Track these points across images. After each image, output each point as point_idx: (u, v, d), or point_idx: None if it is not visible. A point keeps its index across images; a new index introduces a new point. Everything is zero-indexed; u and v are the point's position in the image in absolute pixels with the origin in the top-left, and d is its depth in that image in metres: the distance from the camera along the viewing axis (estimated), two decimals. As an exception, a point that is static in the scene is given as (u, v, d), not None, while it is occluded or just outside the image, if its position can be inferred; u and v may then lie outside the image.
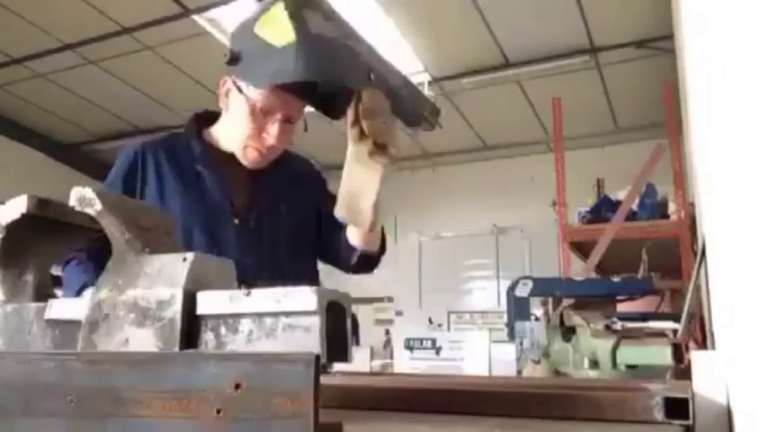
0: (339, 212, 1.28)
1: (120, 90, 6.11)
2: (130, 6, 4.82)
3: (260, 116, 1.48)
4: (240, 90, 1.48)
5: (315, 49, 1.16)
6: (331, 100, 1.29)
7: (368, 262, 1.59)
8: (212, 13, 4.88)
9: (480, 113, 6.56)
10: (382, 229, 1.56)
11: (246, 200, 1.59)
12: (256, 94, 1.46)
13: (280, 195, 1.62)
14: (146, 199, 1.51)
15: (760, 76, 0.59)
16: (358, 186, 1.28)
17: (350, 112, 1.24)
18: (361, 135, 1.25)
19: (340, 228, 1.54)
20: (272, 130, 1.50)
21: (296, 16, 1.15)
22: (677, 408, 0.72)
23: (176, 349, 0.63)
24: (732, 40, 0.71)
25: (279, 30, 1.16)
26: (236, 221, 1.55)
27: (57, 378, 0.62)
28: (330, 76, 1.20)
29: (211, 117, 1.67)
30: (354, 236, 1.53)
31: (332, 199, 1.55)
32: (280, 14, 1.17)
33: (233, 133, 1.55)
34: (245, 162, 1.56)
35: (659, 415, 0.72)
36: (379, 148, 1.26)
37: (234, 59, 1.26)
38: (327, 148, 7.69)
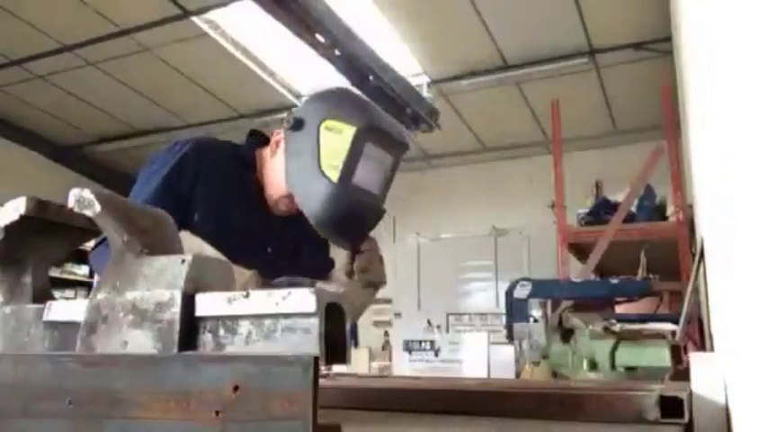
0: None
1: (120, 92, 6.10)
2: (129, 8, 4.82)
3: None
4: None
5: (342, 206, 1.37)
6: None
7: None
8: (211, 14, 4.88)
9: (479, 115, 6.56)
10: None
11: (275, 239, 1.59)
12: None
13: (297, 244, 1.63)
14: (199, 202, 1.48)
15: (756, 79, 0.60)
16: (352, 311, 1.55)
17: (347, 259, 1.48)
18: (351, 272, 1.49)
19: None
20: None
21: (355, 152, 1.36)
22: (673, 407, 0.72)
23: (175, 351, 0.63)
24: (728, 44, 0.71)
25: (335, 153, 1.36)
26: (269, 250, 1.57)
27: (55, 380, 0.62)
28: (342, 235, 1.45)
29: (262, 137, 1.66)
30: None
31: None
32: (345, 138, 1.36)
33: (274, 182, 1.54)
34: (273, 209, 1.56)
35: (655, 414, 0.72)
36: (372, 285, 1.51)
37: (296, 126, 1.41)
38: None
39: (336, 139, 1.36)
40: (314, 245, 1.65)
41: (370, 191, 1.42)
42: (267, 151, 1.57)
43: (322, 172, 1.35)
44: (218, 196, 1.50)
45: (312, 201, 1.37)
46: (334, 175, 1.34)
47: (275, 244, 1.59)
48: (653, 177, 4.20)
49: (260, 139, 1.65)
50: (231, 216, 1.51)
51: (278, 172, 1.49)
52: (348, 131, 1.35)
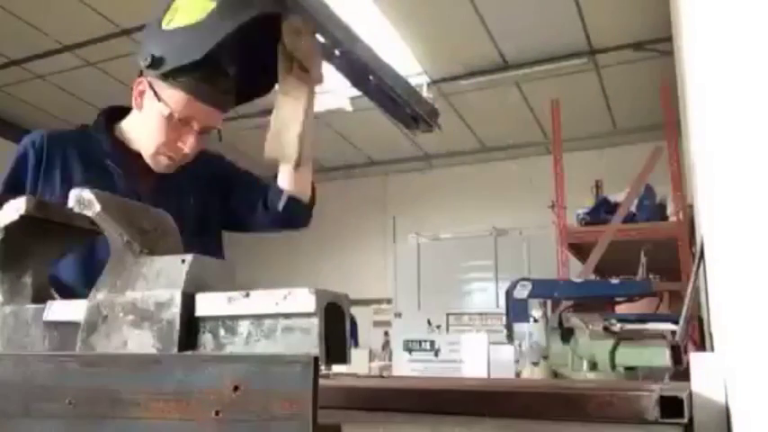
0: (267, 152, 1.30)
1: (120, 92, 6.09)
2: (129, 8, 4.82)
3: (176, 125, 1.44)
4: (158, 96, 1.43)
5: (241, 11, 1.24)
6: (254, 85, 1.46)
7: (296, 210, 1.54)
8: (211, 14, 4.87)
9: (479, 115, 6.56)
10: (312, 184, 1.57)
11: (152, 201, 1.55)
12: (174, 103, 1.41)
13: (184, 196, 1.56)
14: (47, 188, 1.47)
15: (757, 78, 0.60)
16: (284, 120, 1.31)
17: (280, 47, 1.33)
18: (289, 68, 1.34)
19: (256, 189, 1.59)
20: (189, 140, 1.45)
21: None
22: (673, 407, 0.72)
23: (175, 351, 0.63)
24: (729, 42, 0.71)
25: (196, 6, 1.28)
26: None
27: (55, 380, 0.62)
28: (251, 11, 1.26)
29: (122, 112, 1.59)
30: (283, 177, 1.51)
31: (243, 172, 1.67)
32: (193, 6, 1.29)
33: (144, 137, 1.49)
34: (154, 167, 1.51)
35: (655, 414, 0.72)
36: (304, 72, 1.36)
37: (158, 63, 1.37)
38: (326, 148, 7.71)
39: (191, 6, 1.31)
40: (203, 194, 1.60)
41: None
42: (131, 115, 1.54)
43: (203, 31, 1.27)
44: (69, 181, 1.46)
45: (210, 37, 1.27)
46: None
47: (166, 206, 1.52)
48: (653, 177, 4.19)
49: (113, 114, 1.60)
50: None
51: (148, 123, 1.46)
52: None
